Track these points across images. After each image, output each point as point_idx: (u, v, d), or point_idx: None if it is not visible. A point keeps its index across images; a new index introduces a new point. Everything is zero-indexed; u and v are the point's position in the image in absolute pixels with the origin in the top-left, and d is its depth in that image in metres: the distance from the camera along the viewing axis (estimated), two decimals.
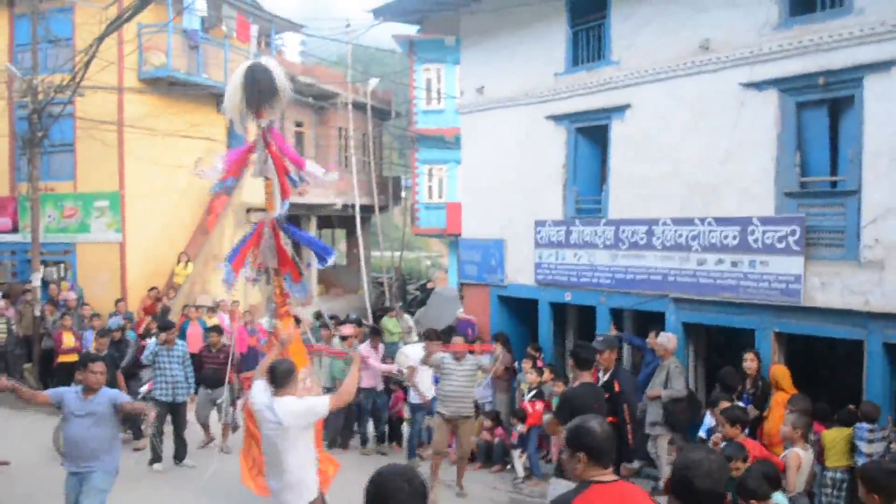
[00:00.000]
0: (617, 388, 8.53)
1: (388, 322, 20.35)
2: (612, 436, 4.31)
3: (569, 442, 4.15)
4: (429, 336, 12.40)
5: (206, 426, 12.88)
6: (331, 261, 9.79)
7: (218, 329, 13.64)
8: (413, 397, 12.97)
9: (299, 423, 6.88)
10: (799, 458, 7.75)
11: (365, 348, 13.33)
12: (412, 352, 13.02)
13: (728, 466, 3.65)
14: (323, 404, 7.03)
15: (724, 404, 8.63)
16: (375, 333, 14.09)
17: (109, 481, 7.87)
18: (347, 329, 14.50)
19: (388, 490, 3.14)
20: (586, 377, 7.89)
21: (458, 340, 11.25)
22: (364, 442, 13.55)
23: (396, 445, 13.76)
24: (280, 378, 6.98)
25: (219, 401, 12.79)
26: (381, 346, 13.90)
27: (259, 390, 7.24)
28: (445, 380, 10.84)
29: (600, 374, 8.92)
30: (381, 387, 13.51)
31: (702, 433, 9.32)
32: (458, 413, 10.75)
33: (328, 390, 13.15)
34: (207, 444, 12.75)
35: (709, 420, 9.34)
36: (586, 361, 7.91)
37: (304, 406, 6.96)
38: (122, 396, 8.06)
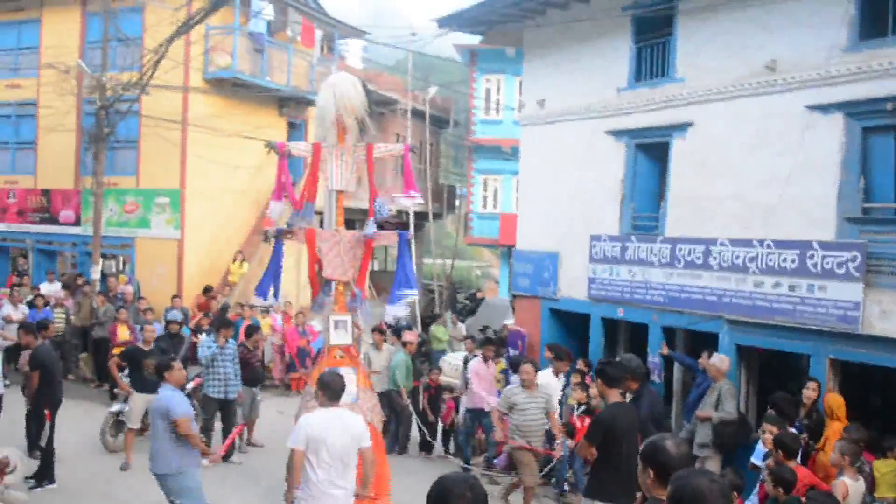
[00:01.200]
0: None
1: (437, 330, 20.46)
2: (687, 458, 4.25)
3: (642, 455, 4.05)
4: (488, 342, 12.46)
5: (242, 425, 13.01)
6: (405, 301, 10.09)
7: (256, 328, 13.80)
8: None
9: (360, 434, 7.08)
10: (846, 486, 7.61)
11: (477, 364, 12.76)
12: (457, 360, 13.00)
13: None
14: (368, 441, 7.22)
15: (771, 429, 8.46)
16: (488, 343, 13.21)
17: None
18: (410, 335, 14.55)
19: (450, 496, 3.17)
20: (615, 396, 7.81)
21: (527, 368, 10.49)
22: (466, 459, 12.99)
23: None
24: (335, 392, 7.14)
25: (258, 398, 13.02)
26: (492, 363, 12.92)
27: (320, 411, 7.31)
28: (518, 414, 10.25)
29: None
30: (488, 407, 12.22)
31: (755, 460, 9.12)
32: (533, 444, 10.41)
33: (390, 393, 13.31)
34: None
35: (761, 446, 9.18)
36: (615, 379, 7.83)
37: (363, 425, 7.22)
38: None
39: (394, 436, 13.58)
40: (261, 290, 10.05)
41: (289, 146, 10.50)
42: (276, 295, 10.06)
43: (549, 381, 11.23)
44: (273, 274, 10.02)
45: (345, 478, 7.09)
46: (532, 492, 10.49)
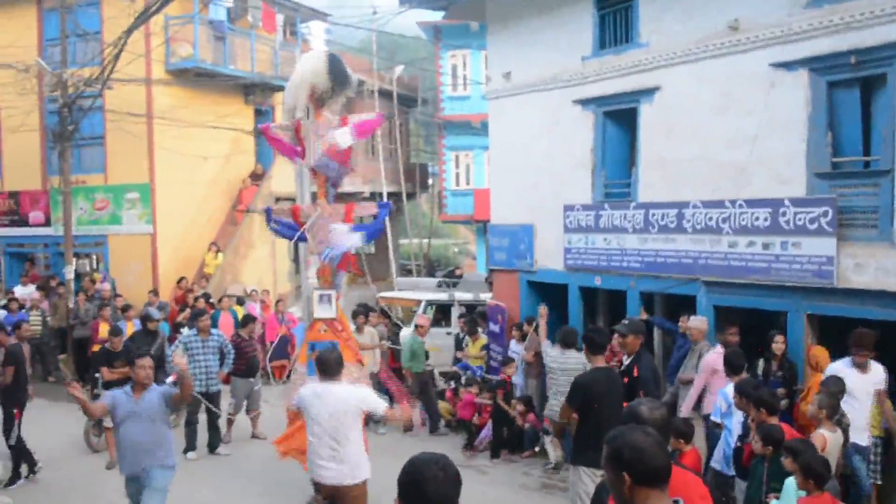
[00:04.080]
0: (636, 373, 8.51)
1: None
2: (662, 422, 4.19)
3: (608, 459, 3.42)
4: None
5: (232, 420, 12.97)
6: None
7: (251, 318, 13.74)
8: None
9: (356, 406, 7.24)
10: (824, 439, 7.64)
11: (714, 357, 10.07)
12: None
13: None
14: (379, 405, 7.39)
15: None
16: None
17: (168, 478, 7.88)
18: (423, 319, 14.55)
19: (423, 478, 3.09)
20: (600, 362, 7.89)
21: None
22: None
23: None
24: (331, 368, 7.26)
25: (256, 388, 12.96)
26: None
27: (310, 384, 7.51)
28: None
29: (624, 359, 8.89)
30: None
31: (715, 418, 9.13)
32: None
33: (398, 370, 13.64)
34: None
35: (720, 404, 9.17)
36: (600, 346, 7.91)
37: (364, 395, 7.43)
38: (170, 389, 8.00)
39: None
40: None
41: (272, 128, 10.43)
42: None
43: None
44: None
45: (336, 453, 7.21)
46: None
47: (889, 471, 8.83)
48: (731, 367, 9.23)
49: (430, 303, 17.50)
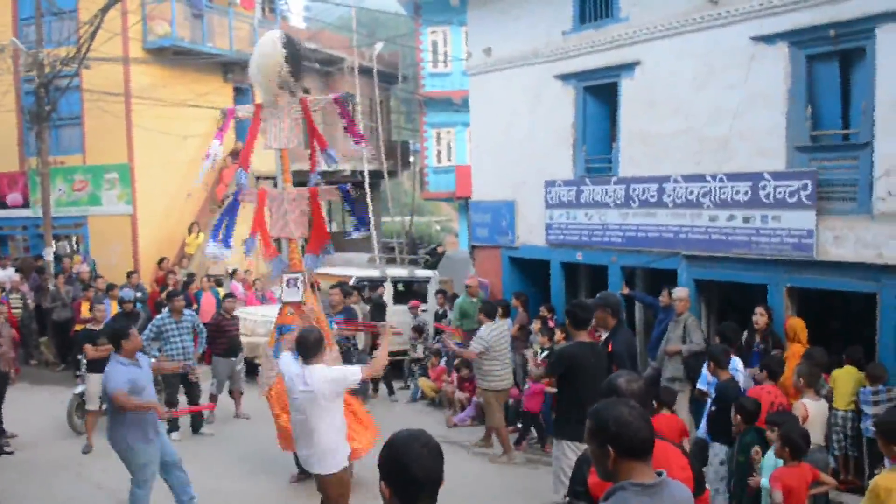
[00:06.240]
0: (610, 348, 8.55)
1: None
2: (640, 394, 4.20)
3: (593, 433, 3.40)
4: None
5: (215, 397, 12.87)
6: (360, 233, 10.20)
7: (231, 294, 13.67)
8: None
9: (330, 389, 7.01)
10: (806, 408, 7.70)
11: None
12: None
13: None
14: (354, 374, 7.23)
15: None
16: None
17: None
18: (471, 280, 14.32)
19: (408, 456, 3.06)
20: (583, 336, 7.88)
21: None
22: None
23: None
24: (310, 348, 7.07)
25: (238, 368, 12.91)
26: None
27: (288, 361, 7.34)
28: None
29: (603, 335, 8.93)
30: None
31: (701, 386, 9.22)
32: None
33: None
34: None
35: (706, 373, 9.23)
36: (583, 321, 7.90)
37: (336, 374, 7.16)
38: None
39: None
40: (213, 237, 10.10)
41: (237, 110, 10.37)
42: (225, 243, 9.94)
43: None
44: (221, 223, 10.07)
45: (308, 438, 7.11)
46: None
47: (859, 444, 8.95)
48: (726, 339, 9.36)
49: (360, 279, 16.43)
